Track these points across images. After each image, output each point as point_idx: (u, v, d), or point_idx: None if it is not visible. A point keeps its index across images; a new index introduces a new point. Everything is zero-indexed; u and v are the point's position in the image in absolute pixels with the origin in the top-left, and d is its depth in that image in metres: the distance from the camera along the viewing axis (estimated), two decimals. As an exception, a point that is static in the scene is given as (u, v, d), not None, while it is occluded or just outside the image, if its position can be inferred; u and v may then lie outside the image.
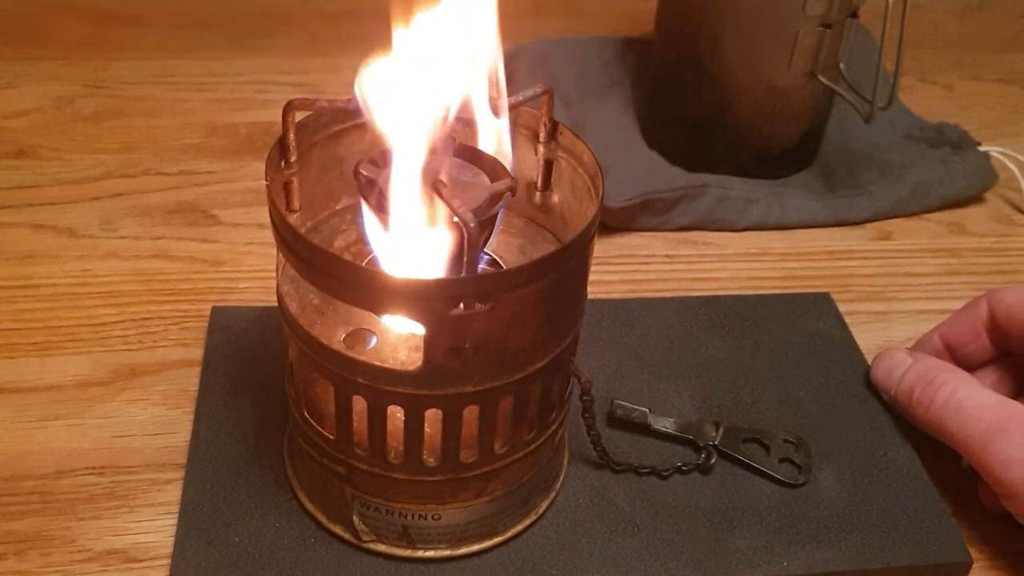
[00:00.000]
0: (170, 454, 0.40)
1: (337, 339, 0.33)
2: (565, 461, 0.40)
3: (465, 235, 0.29)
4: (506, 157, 0.34)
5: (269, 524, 0.37)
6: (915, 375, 0.41)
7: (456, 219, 0.29)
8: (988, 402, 0.38)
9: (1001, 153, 0.59)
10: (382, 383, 0.32)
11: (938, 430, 0.39)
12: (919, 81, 0.70)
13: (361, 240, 0.35)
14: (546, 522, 0.38)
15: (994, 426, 0.37)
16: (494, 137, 0.34)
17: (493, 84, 0.33)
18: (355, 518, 0.36)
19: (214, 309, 0.45)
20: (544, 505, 0.38)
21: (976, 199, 0.59)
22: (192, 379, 0.42)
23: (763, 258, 0.54)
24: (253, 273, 0.49)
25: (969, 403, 0.38)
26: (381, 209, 0.32)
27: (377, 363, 0.32)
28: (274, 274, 0.35)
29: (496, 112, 0.33)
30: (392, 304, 0.30)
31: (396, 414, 0.32)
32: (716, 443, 0.41)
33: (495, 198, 0.32)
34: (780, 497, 0.39)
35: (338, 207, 0.38)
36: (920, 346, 0.44)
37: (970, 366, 0.43)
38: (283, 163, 0.34)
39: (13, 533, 0.37)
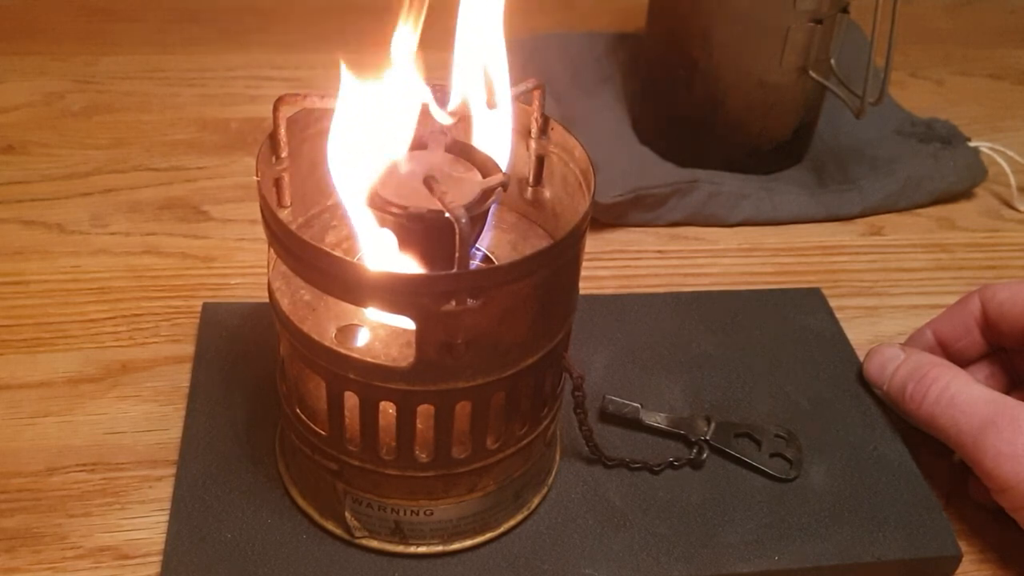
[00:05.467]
0: (161, 451, 0.40)
1: (329, 335, 0.33)
2: (557, 456, 0.40)
3: (457, 230, 0.29)
4: (503, 153, 0.34)
5: (261, 520, 0.37)
6: (908, 370, 0.41)
7: (448, 214, 0.29)
8: (980, 397, 0.38)
9: (991, 148, 0.59)
10: (374, 379, 0.32)
11: (930, 425, 0.39)
12: (909, 76, 0.70)
13: (352, 236, 0.35)
14: (538, 517, 0.38)
15: (986, 421, 0.37)
16: (491, 133, 0.34)
17: (492, 79, 0.33)
18: (347, 514, 0.36)
19: (205, 305, 0.45)
20: (536, 500, 0.38)
21: (966, 194, 0.59)
22: (183, 375, 0.42)
23: (754, 253, 0.54)
24: (244, 269, 0.49)
25: (961, 398, 0.38)
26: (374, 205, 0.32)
27: (369, 359, 0.31)
28: (265, 270, 0.35)
29: (494, 107, 0.33)
30: (383, 300, 0.30)
31: (388, 410, 0.32)
32: (707, 438, 0.41)
33: (487, 193, 0.32)
34: (771, 492, 0.40)
35: (329, 203, 0.38)
36: (913, 341, 0.44)
37: (963, 361, 0.43)
38: (274, 158, 0.34)
39: (3, 531, 0.37)
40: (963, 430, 0.37)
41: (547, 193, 0.37)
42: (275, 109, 0.33)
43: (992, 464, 0.36)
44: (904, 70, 0.70)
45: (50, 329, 0.45)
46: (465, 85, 0.33)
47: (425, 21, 0.31)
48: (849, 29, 0.55)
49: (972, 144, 0.59)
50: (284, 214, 0.36)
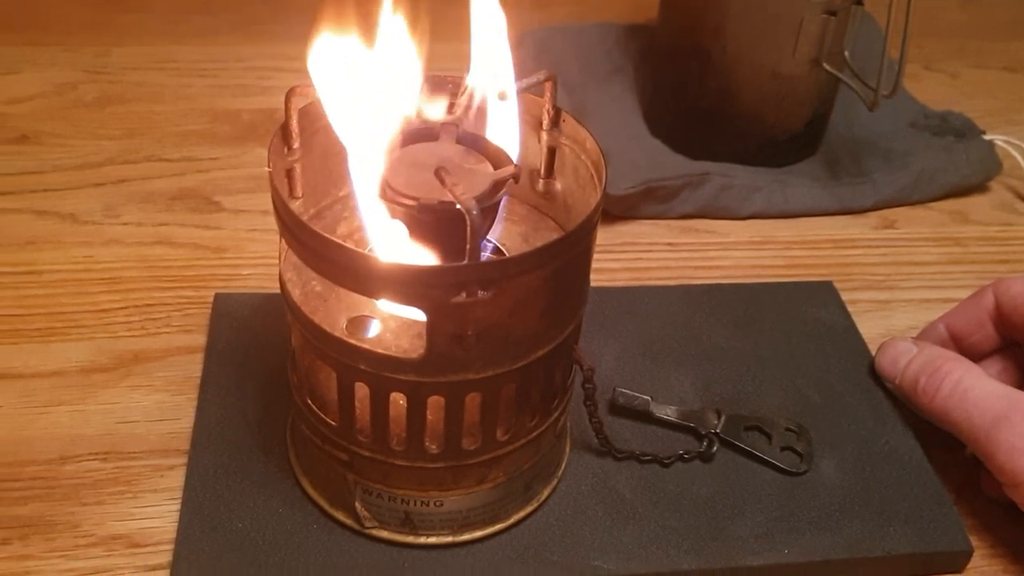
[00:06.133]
0: (173, 440, 0.40)
1: (339, 326, 0.33)
2: (567, 448, 0.40)
3: (468, 222, 0.29)
4: (513, 144, 0.34)
5: (272, 510, 0.37)
6: (920, 364, 0.41)
7: (459, 206, 0.29)
8: (993, 391, 0.38)
9: (1005, 142, 0.59)
10: (384, 370, 0.32)
11: (943, 419, 0.39)
12: (924, 69, 0.69)
13: (363, 227, 0.35)
14: (548, 509, 0.38)
15: (999, 415, 0.37)
16: (501, 124, 0.34)
17: (501, 71, 0.33)
18: (357, 504, 0.36)
19: (217, 296, 0.45)
20: (546, 492, 0.38)
21: (980, 188, 0.59)
22: (195, 366, 0.43)
23: (766, 246, 0.54)
24: (256, 260, 0.49)
25: (974, 392, 0.38)
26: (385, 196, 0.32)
27: (379, 350, 0.32)
28: (277, 261, 0.35)
29: (503, 99, 0.33)
30: (394, 291, 0.30)
31: (398, 401, 0.33)
32: (718, 431, 0.41)
33: (498, 185, 0.32)
34: (781, 485, 0.39)
35: (341, 194, 0.38)
36: (925, 335, 0.44)
37: (975, 356, 0.42)
38: (286, 149, 0.34)
39: (17, 518, 0.37)
40: (976, 424, 0.37)
41: (558, 185, 0.37)
42: (287, 100, 0.33)
43: (1005, 458, 0.36)
44: (918, 62, 0.69)
45: (63, 319, 0.45)
46: (475, 77, 0.33)
47: (436, 12, 0.31)
48: (863, 21, 0.54)
49: (987, 137, 0.58)
50: (296, 205, 0.36)
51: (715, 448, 0.40)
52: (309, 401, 0.35)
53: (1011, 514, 0.39)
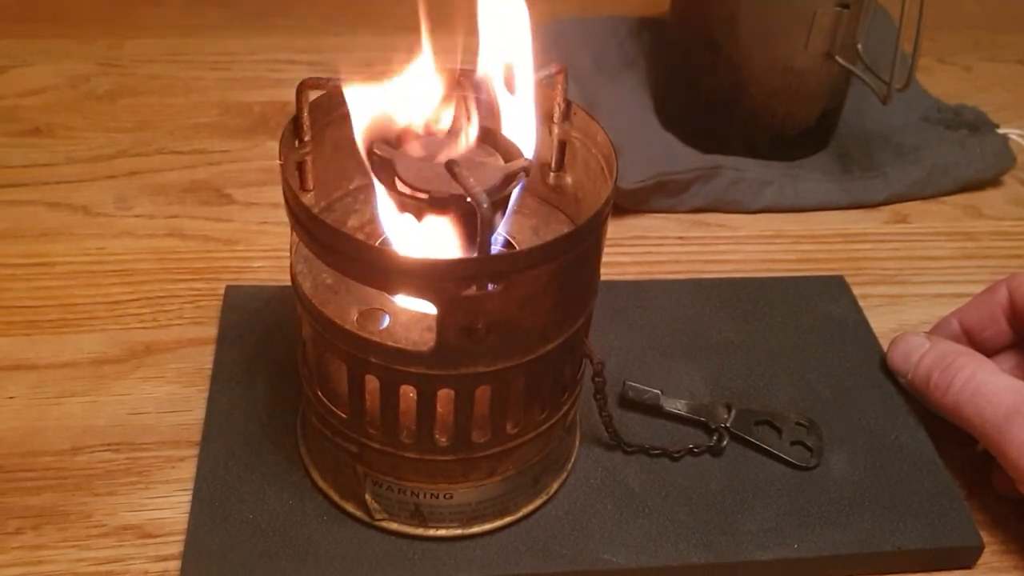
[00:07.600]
0: (184, 431, 0.40)
1: (350, 319, 0.33)
2: (577, 442, 0.40)
3: (479, 215, 0.29)
4: (529, 137, 0.34)
5: (282, 501, 0.37)
6: (932, 359, 0.40)
7: (469, 199, 0.29)
8: (1006, 387, 0.38)
9: (1019, 136, 0.58)
10: (395, 363, 0.32)
11: (955, 414, 0.39)
12: (937, 62, 0.69)
13: (374, 220, 0.35)
14: (557, 502, 0.38)
15: (1012, 411, 0.37)
16: (516, 117, 0.34)
17: (515, 64, 0.33)
18: (367, 496, 0.36)
19: (228, 288, 0.45)
20: (555, 485, 0.38)
21: (993, 182, 0.58)
22: (206, 357, 0.43)
23: (777, 240, 0.53)
24: (267, 252, 0.49)
25: (987, 387, 0.38)
26: (394, 188, 0.32)
27: (390, 343, 0.32)
28: (288, 253, 0.35)
29: (514, 91, 0.33)
30: (404, 284, 0.30)
31: (409, 393, 0.33)
32: (728, 425, 0.41)
33: (509, 178, 0.32)
34: (791, 480, 0.39)
35: (352, 186, 0.38)
36: (938, 330, 0.44)
37: (988, 351, 0.42)
38: (297, 142, 0.34)
39: (30, 508, 0.37)
40: (988, 420, 0.37)
41: (569, 178, 0.37)
42: (298, 93, 0.33)
43: (1017, 454, 0.36)
44: (932, 55, 0.69)
45: (75, 310, 0.45)
46: (490, 69, 0.33)
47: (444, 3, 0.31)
48: (877, 14, 0.54)
49: (1000, 131, 0.58)
50: (307, 198, 0.36)
51: (725, 442, 0.40)
52: (319, 393, 0.35)
53: (1023, 510, 0.39)
